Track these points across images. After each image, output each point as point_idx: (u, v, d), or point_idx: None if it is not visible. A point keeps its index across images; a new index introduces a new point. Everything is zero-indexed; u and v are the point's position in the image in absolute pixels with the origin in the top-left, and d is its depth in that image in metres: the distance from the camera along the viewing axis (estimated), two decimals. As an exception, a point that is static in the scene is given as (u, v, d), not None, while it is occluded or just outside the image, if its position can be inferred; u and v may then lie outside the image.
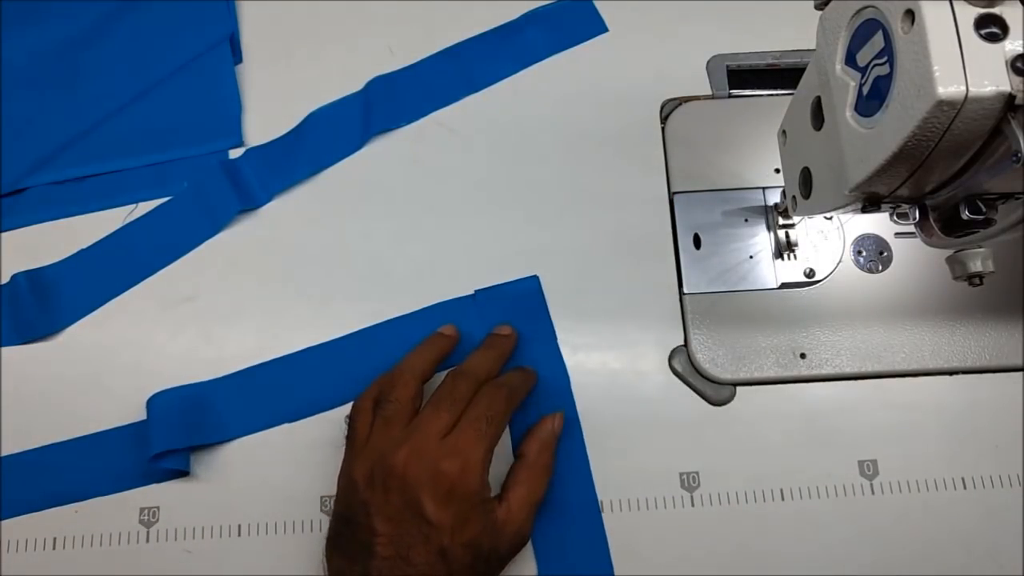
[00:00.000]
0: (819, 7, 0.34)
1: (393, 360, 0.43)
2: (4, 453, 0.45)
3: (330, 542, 0.39)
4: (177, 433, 0.44)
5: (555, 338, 0.47)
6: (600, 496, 0.44)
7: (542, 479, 0.41)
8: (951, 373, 0.46)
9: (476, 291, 0.47)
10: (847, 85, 0.32)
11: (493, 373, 0.43)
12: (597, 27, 0.54)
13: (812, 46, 0.35)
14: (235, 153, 0.51)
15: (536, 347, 0.46)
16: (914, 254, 0.48)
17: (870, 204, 0.34)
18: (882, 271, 0.48)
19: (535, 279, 0.48)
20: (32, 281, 0.48)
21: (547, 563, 0.43)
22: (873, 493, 0.44)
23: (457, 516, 0.37)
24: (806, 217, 0.47)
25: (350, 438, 0.41)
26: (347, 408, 0.43)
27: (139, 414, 0.45)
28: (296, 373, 0.46)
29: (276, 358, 0.46)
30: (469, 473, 0.37)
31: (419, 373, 0.42)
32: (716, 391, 0.46)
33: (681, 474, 0.44)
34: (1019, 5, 0.27)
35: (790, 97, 0.40)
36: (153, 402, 0.45)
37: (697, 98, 0.52)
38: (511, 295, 0.47)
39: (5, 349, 0.47)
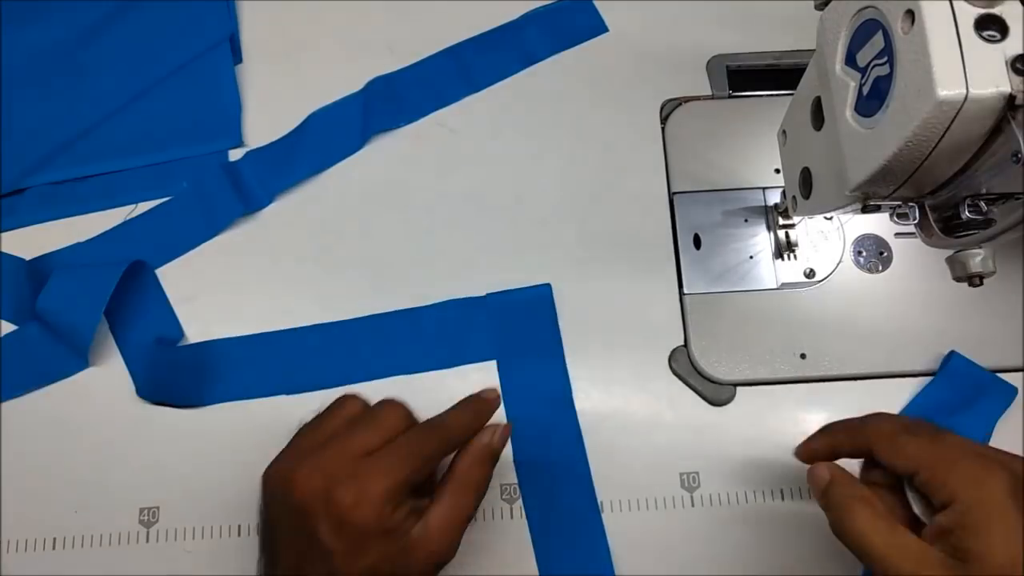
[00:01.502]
0: (819, 7, 0.34)
1: (395, 348, 0.44)
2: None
3: (260, 533, 0.38)
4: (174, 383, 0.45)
5: (561, 348, 0.46)
6: (600, 496, 0.44)
7: (469, 495, 0.37)
8: (951, 373, 0.46)
9: (488, 294, 0.47)
10: (847, 85, 0.32)
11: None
12: (597, 27, 0.54)
13: (812, 46, 0.35)
14: (235, 153, 0.51)
15: (542, 356, 0.46)
16: (914, 254, 0.48)
17: (870, 204, 0.34)
18: (882, 271, 0.48)
19: (547, 287, 0.48)
20: (31, 273, 0.48)
21: (547, 563, 0.43)
22: (873, 493, 0.44)
23: (352, 543, 0.34)
24: (806, 217, 0.47)
25: (299, 431, 0.39)
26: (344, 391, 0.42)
27: (139, 413, 0.45)
28: (299, 347, 0.46)
29: (279, 330, 0.47)
30: (363, 506, 0.34)
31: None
32: (716, 391, 0.46)
33: (681, 474, 0.44)
34: (1019, 5, 0.27)
35: (790, 97, 0.40)
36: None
37: (697, 98, 0.52)
38: (522, 301, 0.47)
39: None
